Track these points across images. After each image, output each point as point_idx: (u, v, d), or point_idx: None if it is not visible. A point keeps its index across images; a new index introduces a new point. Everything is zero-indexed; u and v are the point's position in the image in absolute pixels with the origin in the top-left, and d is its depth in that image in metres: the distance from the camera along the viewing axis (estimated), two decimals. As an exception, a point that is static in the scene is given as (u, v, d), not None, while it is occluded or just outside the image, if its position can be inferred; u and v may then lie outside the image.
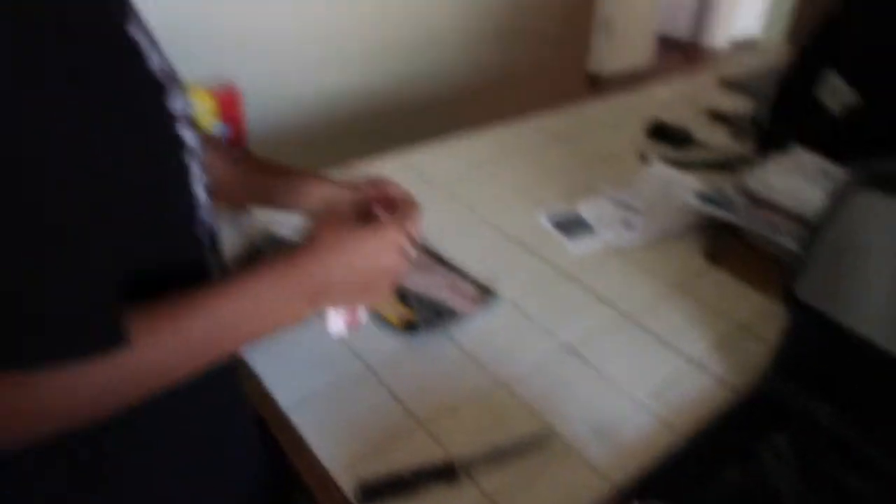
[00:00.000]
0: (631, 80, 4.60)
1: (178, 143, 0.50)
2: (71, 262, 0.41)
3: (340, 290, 0.56)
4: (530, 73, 2.57)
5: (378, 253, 0.58)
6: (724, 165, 1.30)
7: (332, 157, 1.36)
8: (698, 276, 1.01)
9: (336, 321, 0.64)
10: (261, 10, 1.79)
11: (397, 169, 1.27)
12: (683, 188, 1.18)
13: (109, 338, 0.43)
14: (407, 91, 2.23)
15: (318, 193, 0.71)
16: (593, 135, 1.46)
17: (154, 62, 0.49)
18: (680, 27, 5.23)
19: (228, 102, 0.95)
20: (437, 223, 1.08)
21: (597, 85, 4.18)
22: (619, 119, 1.54)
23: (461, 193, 1.20)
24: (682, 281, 1.00)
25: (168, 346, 0.47)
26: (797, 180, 1.05)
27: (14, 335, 0.39)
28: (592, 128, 1.49)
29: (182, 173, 0.51)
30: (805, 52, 1.26)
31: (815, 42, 1.24)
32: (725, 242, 1.03)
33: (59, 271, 0.40)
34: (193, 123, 0.56)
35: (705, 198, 1.07)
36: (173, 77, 0.53)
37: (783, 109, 1.32)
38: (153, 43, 0.52)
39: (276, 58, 1.87)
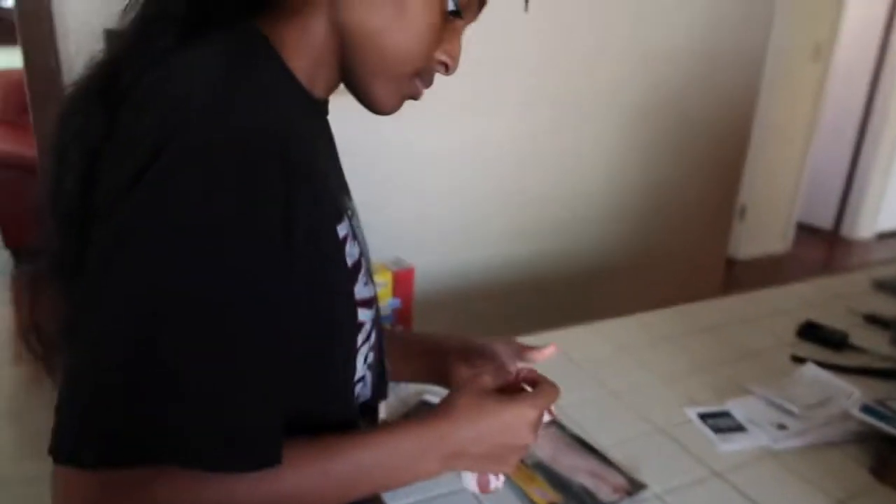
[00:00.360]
0: (768, 266, 4.52)
1: (355, 323, 0.62)
2: (265, 386, 0.49)
3: (472, 456, 0.61)
4: (671, 253, 2.62)
5: (511, 429, 0.61)
6: (887, 374, 1.25)
7: (485, 327, 1.44)
8: (864, 493, 0.96)
9: (469, 478, 0.67)
10: (432, 200, 2.00)
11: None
12: (844, 395, 1.14)
13: (270, 457, 0.49)
14: (551, 266, 2.34)
15: (462, 374, 0.78)
16: (738, 329, 1.46)
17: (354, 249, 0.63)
18: (822, 215, 5.13)
19: (404, 280, 1.07)
20: (581, 407, 1.10)
21: (732, 269, 4.13)
22: (765, 314, 1.53)
23: (607, 378, 1.22)
24: (846, 496, 0.95)
25: (312, 480, 0.54)
26: (974, 400, 0.99)
27: (206, 435, 0.46)
28: (737, 321, 1.49)
29: (351, 348, 0.62)
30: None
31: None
32: (894, 459, 0.98)
33: (257, 391, 0.48)
34: (376, 308, 0.68)
35: (870, 409, 1.03)
36: (366, 263, 0.65)
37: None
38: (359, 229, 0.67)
39: (444, 238, 2.07)
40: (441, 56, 0.62)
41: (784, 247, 4.73)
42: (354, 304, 0.62)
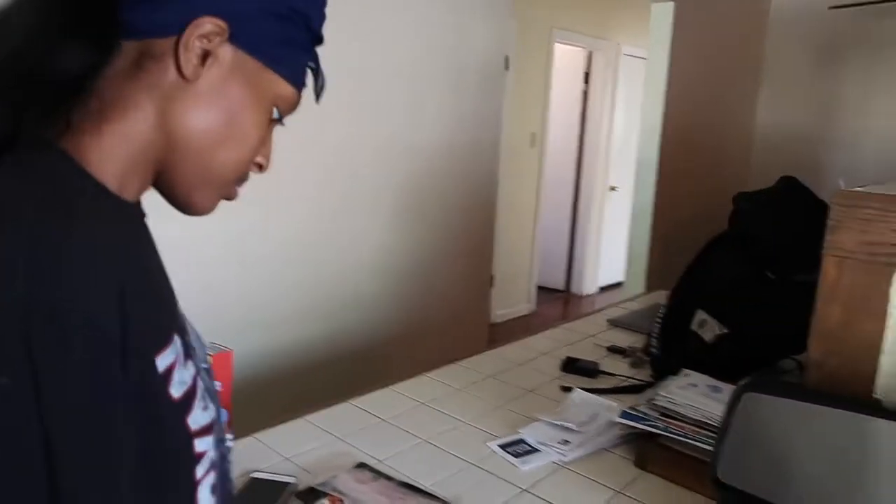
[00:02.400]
0: (519, 324, 5.07)
1: (192, 456, 0.59)
2: None
3: None
4: (443, 320, 2.86)
5: None
6: (632, 389, 1.55)
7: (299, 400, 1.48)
8: (634, 482, 1.18)
9: None
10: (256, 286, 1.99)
11: (352, 412, 1.40)
12: (606, 410, 1.40)
13: None
14: (340, 342, 2.42)
15: None
16: (516, 372, 1.68)
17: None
18: (554, 278, 5.91)
19: (223, 364, 1.09)
20: (401, 457, 1.21)
21: (490, 329, 4.56)
22: (532, 357, 1.78)
23: (416, 429, 1.34)
24: (622, 486, 1.16)
25: None
26: (694, 395, 1.29)
27: None
28: (513, 366, 1.72)
29: (190, 481, 0.59)
30: (677, 296, 1.60)
31: (683, 287, 1.59)
32: (651, 451, 1.23)
33: None
34: (218, 427, 0.64)
35: (627, 415, 1.28)
36: (203, 382, 0.62)
37: (668, 342, 1.62)
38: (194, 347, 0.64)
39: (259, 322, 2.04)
40: (258, 158, 0.66)
41: (529, 307, 5.35)
42: (189, 436, 0.57)
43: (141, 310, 0.51)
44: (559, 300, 5.81)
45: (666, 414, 1.26)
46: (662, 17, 3.80)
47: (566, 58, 5.38)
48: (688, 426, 1.23)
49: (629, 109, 5.75)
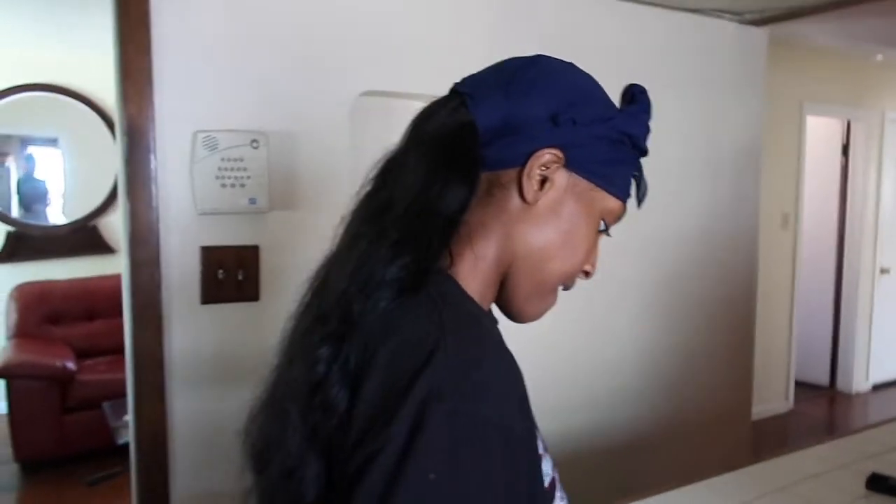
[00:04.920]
0: (777, 424, 4.56)
1: None
2: None
3: None
4: (701, 420, 2.67)
5: None
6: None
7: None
8: None
9: None
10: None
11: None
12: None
13: None
14: (586, 441, 2.37)
15: None
16: (808, 485, 1.50)
17: None
18: (816, 372, 5.27)
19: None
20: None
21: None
22: (827, 469, 1.58)
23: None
24: None
25: None
26: None
27: None
28: (806, 479, 1.54)
29: None
30: None
31: None
32: None
33: None
34: None
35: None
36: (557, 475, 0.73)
37: None
38: None
39: None
40: (586, 266, 0.71)
41: (787, 405, 4.80)
42: None
43: (529, 413, 0.61)
44: (822, 398, 5.14)
45: None
46: (944, 80, 3.39)
47: (820, 130, 4.98)
48: None
49: (901, 181, 5.12)
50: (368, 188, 0.67)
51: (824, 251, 5.23)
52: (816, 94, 4.62)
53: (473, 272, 0.65)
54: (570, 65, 0.70)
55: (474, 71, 0.70)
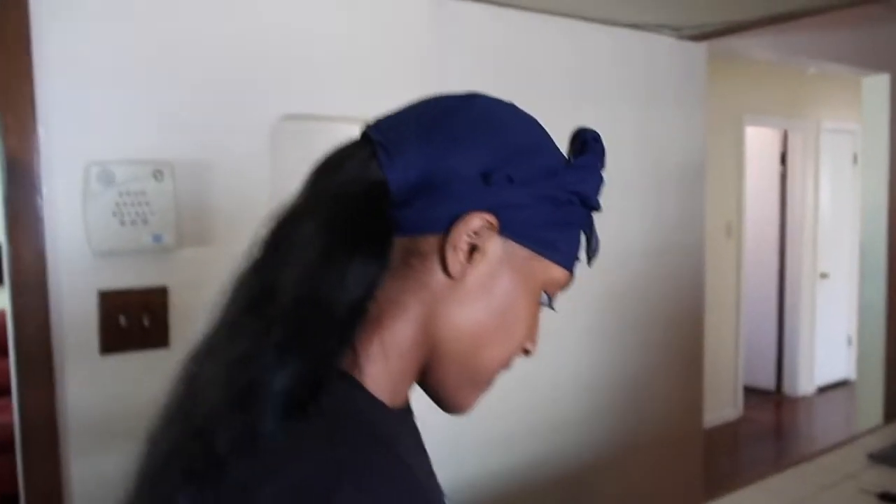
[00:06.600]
0: (727, 431, 4.57)
1: None
2: None
3: None
4: (649, 440, 2.61)
5: None
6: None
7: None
8: None
9: None
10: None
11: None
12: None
13: None
14: (547, 466, 2.28)
15: None
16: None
17: None
18: (763, 378, 5.33)
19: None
20: None
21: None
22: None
23: None
24: None
25: None
26: None
27: None
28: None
29: None
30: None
31: None
32: None
33: None
34: None
35: None
36: None
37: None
38: None
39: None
40: (526, 345, 0.60)
41: (736, 412, 4.83)
42: None
43: None
44: (770, 402, 5.20)
45: None
46: (877, 90, 3.44)
47: (759, 140, 5.04)
48: None
49: (836, 189, 5.22)
50: (254, 259, 0.54)
51: (767, 258, 5.30)
52: (755, 106, 4.68)
53: (383, 366, 0.53)
54: (511, 107, 0.58)
55: (407, 92, 0.58)
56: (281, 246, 0.53)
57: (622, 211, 2.49)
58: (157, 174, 1.41)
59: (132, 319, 1.43)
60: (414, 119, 0.56)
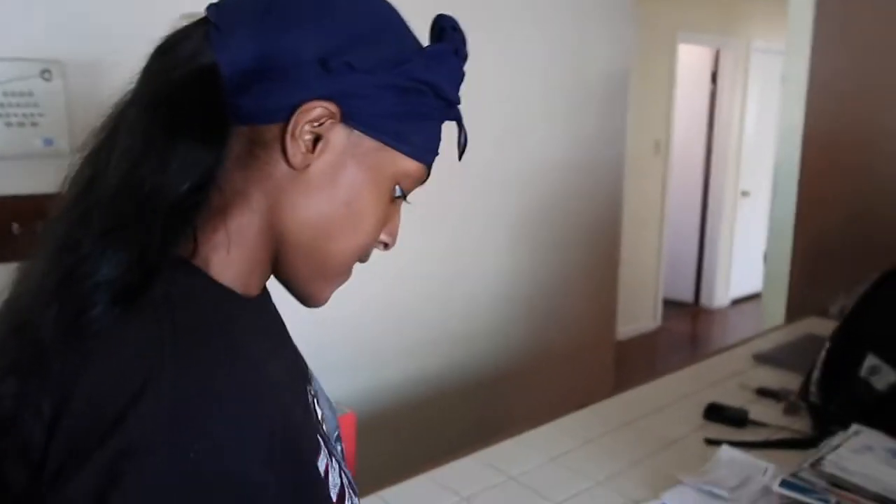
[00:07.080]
0: (645, 342, 4.82)
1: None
2: None
3: None
4: (567, 346, 2.74)
5: None
6: (789, 444, 1.37)
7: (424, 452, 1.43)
8: (802, 568, 1.02)
9: None
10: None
11: (478, 468, 1.33)
12: (759, 471, 1.24)
13: None
14: (458, 379, 2.37)
15: None
16: (653, 419, 1.54)
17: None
18: (682, 291, 5.58)
19: (346, 427, 1.07)
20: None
21: (618, 349, 4.36)
22: (672, 401, 1.63)
23: (548, 490, 1.25)
24: (788, 574, 1.01)
25: None
26: (870, 461, 1.11)
27: None
28: (650, 411, 1.58)
29: None
30: (843, 334, 1.40)
31: (851, 325, 1.39)
32: (820, 530, 1.06)
33: None
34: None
35: (790, 484, 1.12)
36: (347, 480, 0.61)
37: (831, 388, 1.42)
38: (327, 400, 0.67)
39: (348, 360, 2.04)
40: (383, 237, 0.60)
41: (655, 323, 5.08)
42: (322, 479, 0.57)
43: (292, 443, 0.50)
44: (687, 314, 5.48)
45: (836, 484, 1.10)
46: (802, 8, 3.48)
47: (691, 58, 5.08)
48: (865, 501, 1.05)
49: (762, 109, 5.34)
50: (85, 152, 0.53)
51: (693, 176, 5.45)
52: (689, 24, 4.68)
53: (229, 255, 0.53)
54: None
55: None
56: (111, 132, 0.51)
57: (543, 126, 2.51)
58: (46, 73, 1.34)
59: (26, 227, 1.39)
60: None
